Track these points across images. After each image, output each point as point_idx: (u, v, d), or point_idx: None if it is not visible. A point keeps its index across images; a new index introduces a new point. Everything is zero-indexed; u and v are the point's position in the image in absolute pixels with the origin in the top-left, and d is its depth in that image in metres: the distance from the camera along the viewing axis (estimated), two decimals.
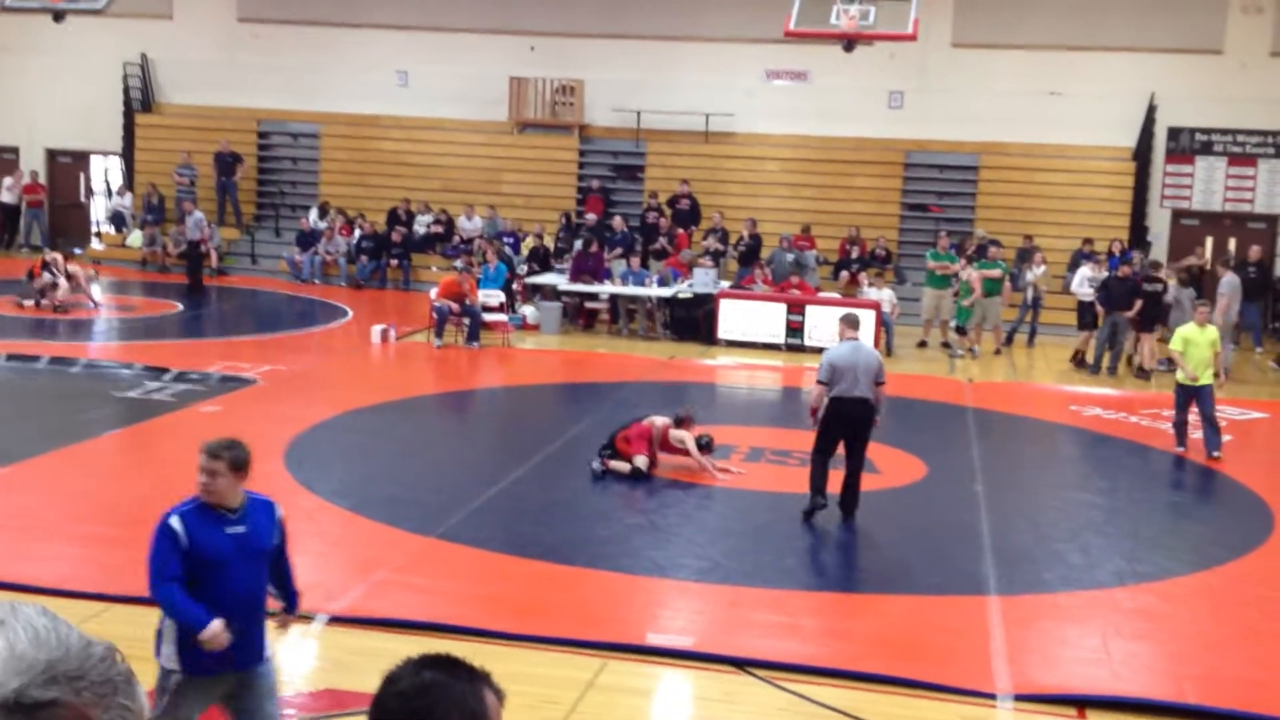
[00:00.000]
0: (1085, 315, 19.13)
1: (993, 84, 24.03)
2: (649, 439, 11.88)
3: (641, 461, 11.69)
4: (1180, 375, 13.53)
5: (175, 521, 5.24)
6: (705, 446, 12.03)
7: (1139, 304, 18.27)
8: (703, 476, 11.79)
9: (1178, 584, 9.47)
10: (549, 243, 23.36)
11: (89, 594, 8.09)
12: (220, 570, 5.23)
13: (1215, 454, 13.17)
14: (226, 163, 25.86)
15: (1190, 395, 13.41)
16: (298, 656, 7.56)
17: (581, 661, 7.43)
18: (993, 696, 7.23)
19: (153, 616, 7.78)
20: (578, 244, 22.17)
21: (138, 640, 7.41)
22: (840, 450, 10.67)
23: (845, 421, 10.46)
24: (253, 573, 5.37)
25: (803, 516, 10.50)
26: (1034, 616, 8.60)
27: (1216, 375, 13.59)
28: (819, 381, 10.59)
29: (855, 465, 10.62)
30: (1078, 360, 18.91)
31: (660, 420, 12.08)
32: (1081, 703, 7.25)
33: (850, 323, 11.18)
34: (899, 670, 7.47)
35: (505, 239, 23.12)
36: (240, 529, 5.32)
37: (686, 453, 11.98)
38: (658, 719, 7.22)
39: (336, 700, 6.72)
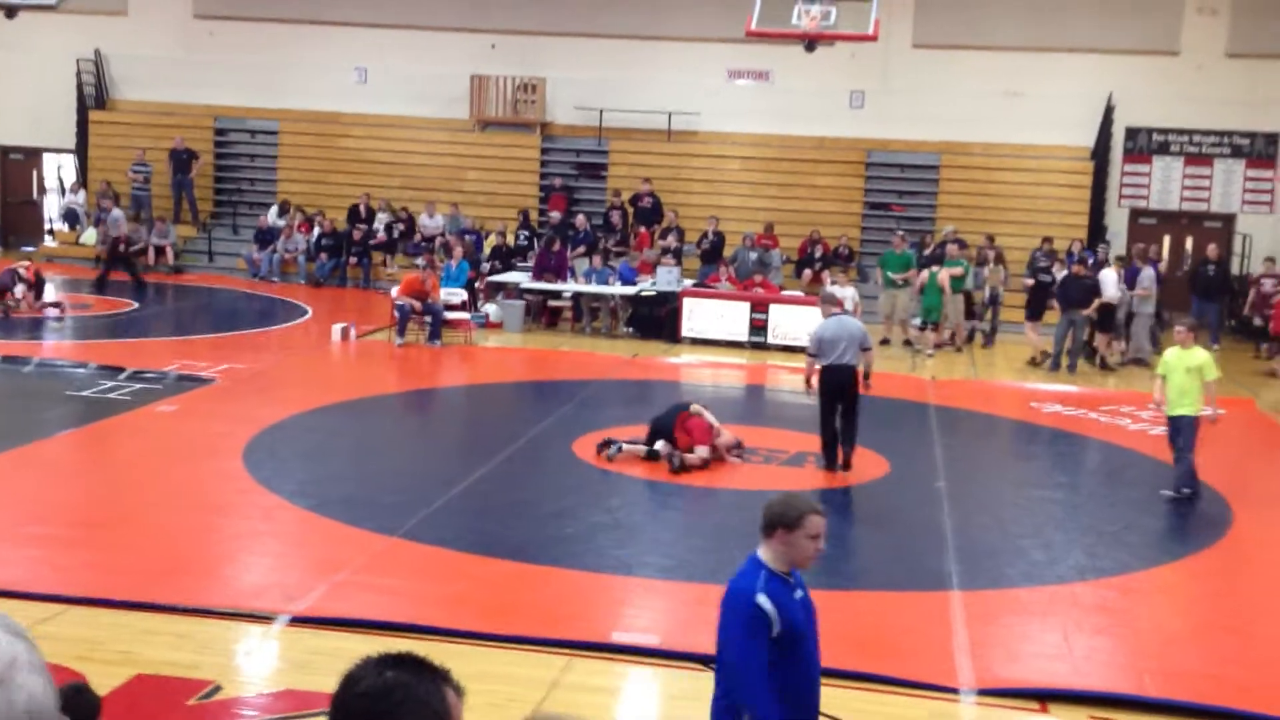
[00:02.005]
0: (1105, 319, 19.02)
1: (953, 84, 24.17)
2: (709, 432, 12.20)
3: (704, 452, 12.05)
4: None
5: (765, 601, 4.56)
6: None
7: (1097, 302, 18.45)
8: (667, 475, 11.77)
9: (1137, 579, 9.53)
10: (510, 241, 23.27)
11: (44, 596, 7.97)
12: (800, 646, 4.67)
13: (1166, 491, 11.71)
14: (182, 160, 25.62)
15: (1173, 426, 11.74)
16: (258, 658, 7.48)
17: (547, 660, 7.38)
18: (956, 691, 7.24)
19: (113, 618, 7.71)
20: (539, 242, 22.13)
21: (95, 643, 7.33)
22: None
23: (836, 386, 11.89)
24: (817, 643, 4.84)
25: (825, 466, 12.09)
26: (996, 611, 8.64)
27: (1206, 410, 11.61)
28: (809, 354, 12.15)
29: (849, 421, 12.05)
30: (1102, 363, 19.03)
31: (698, 408, 12.40)
32: (1043, 696, 7.28)
33: (829, 300, 12.60)
34: (863, 666, 7.47)
35: (468, 237, 23.01)
36: (800, 592, 4.77)
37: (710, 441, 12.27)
38: (624, 718, 7.18)
39: (298, 701, 6.64)
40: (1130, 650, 8.14)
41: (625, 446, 12.20)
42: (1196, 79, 23.68)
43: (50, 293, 20.21)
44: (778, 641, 4.58)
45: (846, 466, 12.04)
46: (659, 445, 12.09)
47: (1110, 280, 18.82)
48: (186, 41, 26.94)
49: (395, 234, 24.44)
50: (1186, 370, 11.60)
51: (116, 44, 27.18)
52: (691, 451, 11.98)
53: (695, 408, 12.38)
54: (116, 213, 23.35)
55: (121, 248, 22.62)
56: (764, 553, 4.75)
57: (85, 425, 12.86)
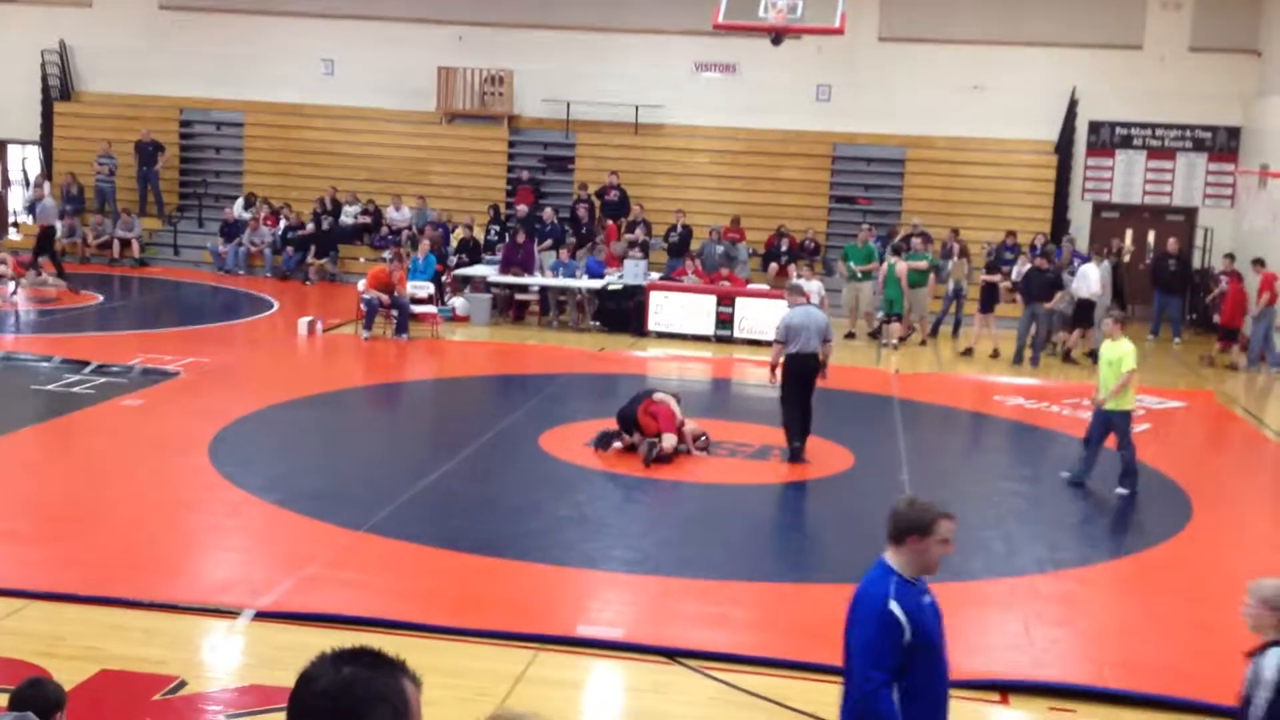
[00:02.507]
0: (1084, 313, 19.14)
1: (918, 78, 24.29)
2: (674, 418, 12.30)
3: (670, 441, 12.10)
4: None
5: (896, 608, 4.46)
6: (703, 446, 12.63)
7: (1058, 295, 18.63)
8: (638, 469, 11.83)
9: (1097, 571, 9.66)
10: (478, 234, 23.23)
11: (8, 591, 7.94)
12: (932, 654, 4.55)
13: (1120, 490, 11.67)
14: (148, 152, 25.43)
15: (1103, 419, 11.72)
16: (224, 653, 7.49)
17: (512, 654, 7.43)
18: None
19: (78, 613, 7.69)
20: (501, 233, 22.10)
21: (58, 638, 7.32)
22: None
23: (800, 374, 12.35)
24: (945, 650, 4.67)
25: (790, 457, 12.30)
26: (958, 603, 8.67)
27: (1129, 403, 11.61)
28: (776, 341, 12.52)
29: (806, 408, 12.43)
30: (1066, 355, 19.27)
31: (666, 398, 12.50)
32: (1004, 688, 7.38)
33: (795, 290, 13.11)
34: (826, 658, 7.52)
35: (436, 229, 22.96)
36: (929, 598, 4.62)
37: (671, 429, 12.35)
38: (589, 710, 7.23)
39: (263, 696, 6.66)
40: (1090, 642, 8.25)
41: (616, 443, 12.32)
42: (1159, 73, 23.89)
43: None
44: (909, 650, 4.48)
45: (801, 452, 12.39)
46: (635, 438, 12.18)
47: (1093, 276, 19.04)
48: (151, 33, 26.71)
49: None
50: (1109, 363, 11.58)
51: (81, 35, 26.94)
52: (659, 437, 12.06)
53: (659, 396, 12.47)
54: (48, 202, 23.24)
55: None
56: (893, 559, 4.66)
57: (50, 420, 12.79)
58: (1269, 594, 5.05)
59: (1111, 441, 11.72)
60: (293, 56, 26.22)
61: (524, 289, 20.90)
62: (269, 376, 15.54)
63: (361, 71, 25.98)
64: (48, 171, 26.68)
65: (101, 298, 20.84)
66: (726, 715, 6.93)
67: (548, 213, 23.18)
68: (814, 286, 20.01)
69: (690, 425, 12.56)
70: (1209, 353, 19.74)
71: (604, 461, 12.05)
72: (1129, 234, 24.04)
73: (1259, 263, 19.67)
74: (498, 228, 23.18)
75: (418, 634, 7.52)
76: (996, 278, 19.90)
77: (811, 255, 22.72)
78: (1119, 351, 11.52)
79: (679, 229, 22.95)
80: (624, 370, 17.28)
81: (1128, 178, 24.37)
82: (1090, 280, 18.95)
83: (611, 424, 12.58)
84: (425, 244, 21.00)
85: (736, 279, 20.76)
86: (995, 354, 19.10)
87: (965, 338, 20.03)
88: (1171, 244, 21.73)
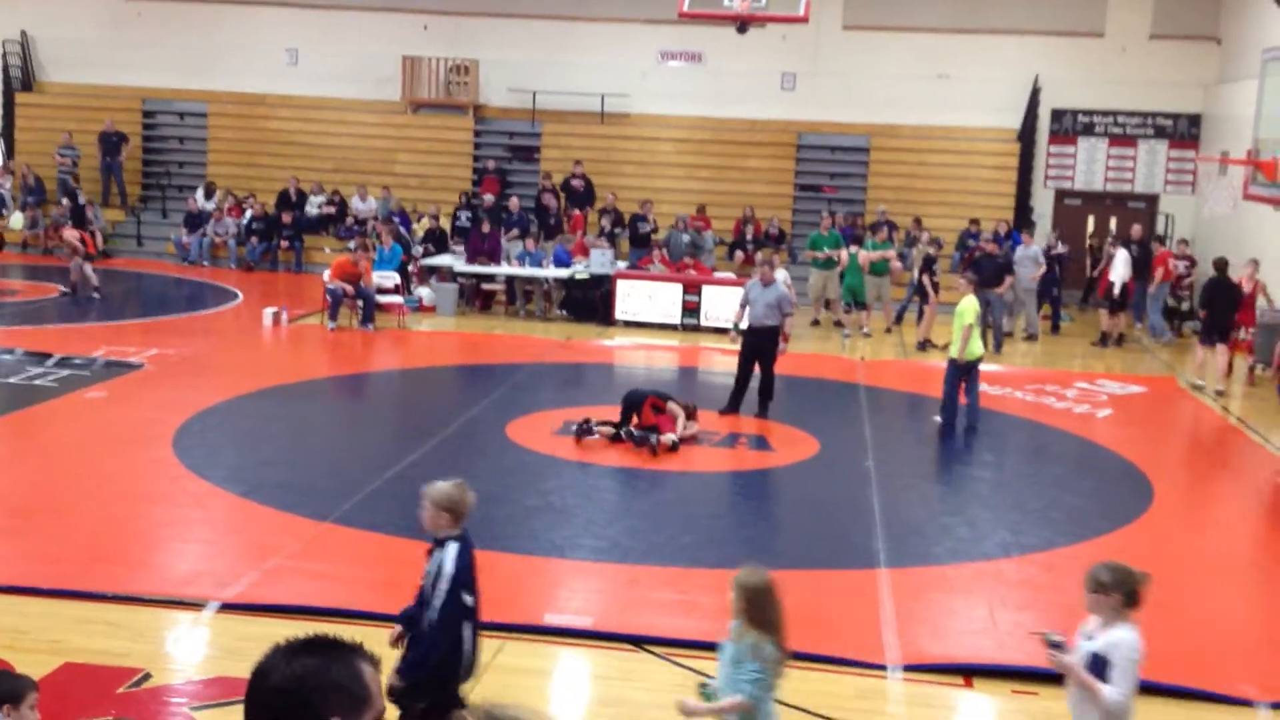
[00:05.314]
0: (1115, 299, 19.81)
1: (883, 66, 24.38)
2: (674, 422, 12.43)
3: (669, 438, 12.23)
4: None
5: None
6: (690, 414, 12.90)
7: (1008, 280, 18.84)
8: (606, 458, 11.86)
9: (1061, 555, 9.74)
10: (445, 223, 23.15)
11: None
12: None
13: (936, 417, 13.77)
14: (111, 143, 25.23)
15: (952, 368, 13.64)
16: (189, 645, 7.46)
17: (480, 643, 7.42)
18: (883, 667, 7.39)
19: (41, 606, 7.64)
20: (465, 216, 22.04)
21: (21, 632, 7.29)
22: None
23: None
24: None
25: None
26: (923, 588, 8.80)
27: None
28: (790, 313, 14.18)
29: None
30: (1104, 340, 19.79)
31: (675, 409, 12.63)
32: (969, 671, 7.45)
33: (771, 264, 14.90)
34: (792, 644, 7.58)
35: (396, 219, 22.86)
36: None
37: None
38: (556, 698, 7.25)
39: (228, 688, 6.65)
40: (1054, 625, 8.27)
41: (597, 428, 12.34)
42: (1121, 61, 24.07)
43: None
44: None
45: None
46: (632, 427, 12.24)
47: (1121, 259, 19.59)
48: (114, 23, 26.48)
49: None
50: (957, 316, 13.33)
51: (42, 25, 26.69)
52: (657, 431, 12.16)
53: (671, 405, 12.52)
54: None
55: None
56: None
57: (12, 413, 12.68)
58: (437, 496, 5.75)
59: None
60: (256, 46, 26.06)
61: (490, 279, 20.86)
62: (234, 368, 15.45)
63: (326, 61, 25.85)
64: (9, 163, 26.43)
65: (65, 290, 20.64)
66: None
67: (514, 202, 23.14)
68: (780, 275, 20.06)
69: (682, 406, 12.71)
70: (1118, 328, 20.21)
71: (571, 450, 12.07)
72: (1091, 221, 24.23)
73: (1159, 240, 20.47)
74: (469, 214, 23.09)
75: (384, 624, 7.49)
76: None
77: (777, 243, 22.77)
78: (959, 308, 13.33)
79: (646, 218, 22.95)
80: (591, 359, 17.30)
81: (1090, 165, 24.56)
82: (1125, 265, 19.58)
83: (581, 414, 12.62)
84: (389, 236, 20.93)
85: (703, 268, 20.79)
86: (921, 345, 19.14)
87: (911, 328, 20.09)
88: (1135, 230, 21.93)
